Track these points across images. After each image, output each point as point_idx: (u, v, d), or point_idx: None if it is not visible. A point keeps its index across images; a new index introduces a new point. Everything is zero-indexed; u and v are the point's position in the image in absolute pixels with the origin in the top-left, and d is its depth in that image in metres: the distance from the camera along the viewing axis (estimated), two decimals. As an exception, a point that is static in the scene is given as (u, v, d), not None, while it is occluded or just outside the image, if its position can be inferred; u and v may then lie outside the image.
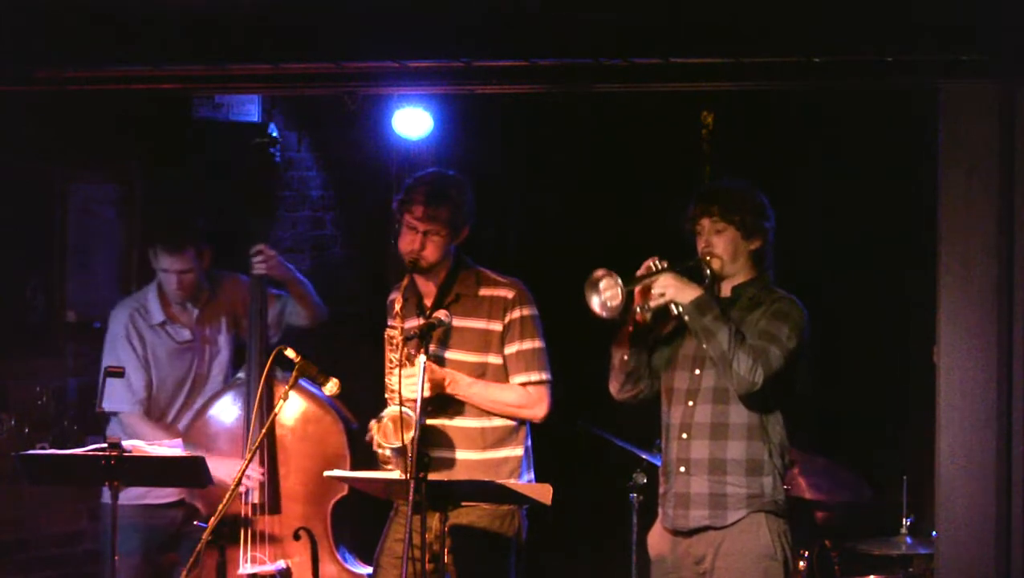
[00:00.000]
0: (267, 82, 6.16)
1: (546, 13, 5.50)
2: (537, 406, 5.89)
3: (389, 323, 5.89)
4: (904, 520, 6.75)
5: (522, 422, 5.91)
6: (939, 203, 5.40)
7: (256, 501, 6.40)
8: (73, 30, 5.75)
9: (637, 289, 5.50)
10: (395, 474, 5.67)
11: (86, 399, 7.10)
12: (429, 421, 5.80)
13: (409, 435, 5.59)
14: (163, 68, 5.89)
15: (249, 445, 6.12)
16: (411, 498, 5.34)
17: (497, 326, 5.88)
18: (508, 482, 5.70)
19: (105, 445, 5.84)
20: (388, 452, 5.76)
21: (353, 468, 6.27)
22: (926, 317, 5.50)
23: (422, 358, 5.57)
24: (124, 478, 5.86)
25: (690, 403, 5.55)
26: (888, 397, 7.46)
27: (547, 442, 6.14)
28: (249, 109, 7.92)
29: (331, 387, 5.64)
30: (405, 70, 5.73)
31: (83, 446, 6.11)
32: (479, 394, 5.85)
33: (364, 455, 6.05)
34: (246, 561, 6.39)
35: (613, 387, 5.69)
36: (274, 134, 6.67)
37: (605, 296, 5.44)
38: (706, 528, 5.52)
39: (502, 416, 5.88)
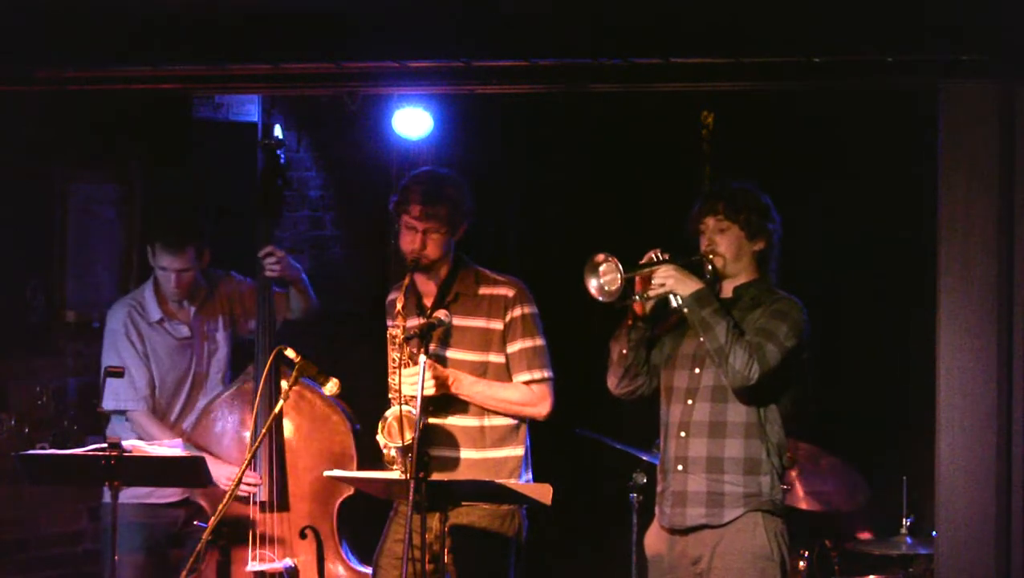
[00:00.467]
0: (267, 82, 6.16)
1: (546, 13, 5.50)
2: (540, 404, 5.90)
3: (390, 322, 5.89)
4: (904, 520, 6.74)
5: (524, 421, 5.92)
6: (939, 203, 5.40)
7: (264, 499, 6.40)
8: (73, 30, 5.75)
9: (638, 278, 5.51)
10: (395, 474, 5.68)
11: (86, 399, 7.11)
12: (430, 420, 5.81)
13: (411, 434, 5.59)
14: (163, 68, 5.89)
15: (250, 446, 6.12)
16: (411, 498, 5.34)
17: (498, 325, 5.88)
18: (508, 482, 5.70)
19: (105, 445, 5.84)
20: (393, 452, 5.76)
21: (360, 469, 6.27)
22: (926, 317, 5.50)
23: (423, 358, 5.58)
24: (124, 478, 5.86)
25: (689, 401, 5.55)
26: (888, 397, 7.46)
27: (547, 442, 6.14)
28: (249, 109, 7.92)
29: (331, 387, 5.64)
30: (405, 70, 5.73)
31: (83, 446, 6.11)
32: (482, 393, 5.86)
33: (371, 455, 6.05)
34: (254, 559, 6.39)
35: (611, 382, 5.69)
36: (279, 135, 6.67)
37: (604, 280, 5.46)
38: (703, 526, 5.52)
39: (506, 415, 5.88)
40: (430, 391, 5.69)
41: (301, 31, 5.65)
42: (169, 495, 6.56)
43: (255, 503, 6.40)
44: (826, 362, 5.86)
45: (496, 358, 5.89)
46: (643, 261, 5.54)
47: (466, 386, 5.83)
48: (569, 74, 5.73)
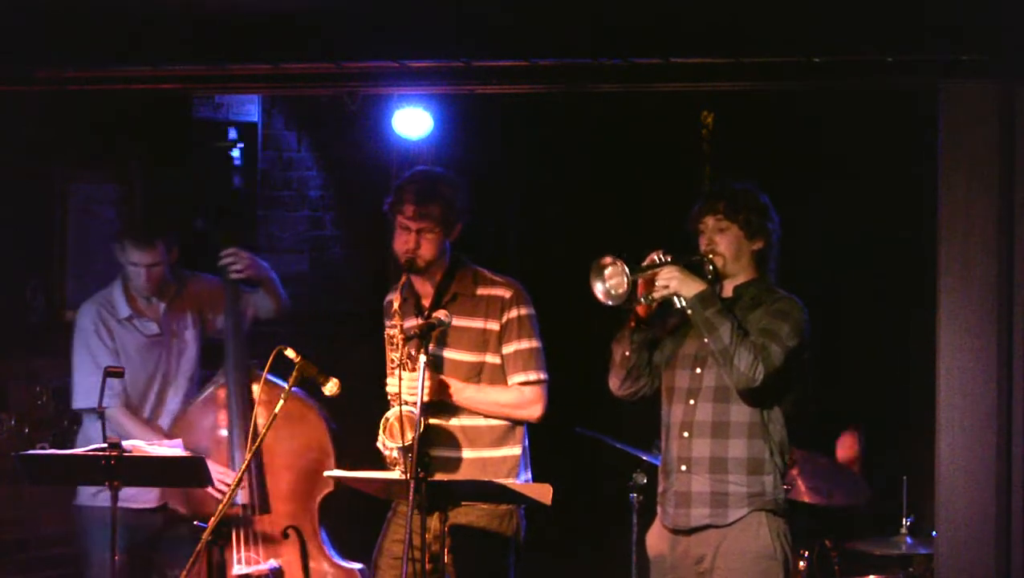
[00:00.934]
0: (267, 82, 6.16)
1: (546, 13, 5.50)
2: (532, 406, 5.88)
3: (388, 323, 5.88)
4: (904, 520, 6.74)
5: (519, 422, 5.91)
6: (939, 203, 5.40)
7: (245, 502, 6.40)
8: (73, 30, 5.75)
9: (641, 280, 5.50)
10: (395, 474, 5.67)
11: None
12: (430, 420, 5.80)
13: (411, 435, 5.59)
14: (163, 68, 5.89)
15: (248, 445, 6.11)
16: (411, 498, 5.34)
17: (495, 326, 5.88)
18: (508, 482, 5.70)
19: (105, 445, 5.84)
20: (395, 453, 5.75)
21: (339, 467, 6.27)
22: (926, 317, 5.50)
23: (423, 358, 5.57)
24: (124, 478, 5.86)
25: (691, 402, 5.55)
26: (888, 397, 7.46)
27: (547, 442, 6.14)
28: (249, 109, 7.92)
29: (331, 387, 5.63)
30: (405, 70, 5.74)
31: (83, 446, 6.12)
32: (472, 398, 5.84)
33: (352, 454, 6.05)
34: (239, 561, 6.39)
35: (613, 383, 5.69)
36: (233, 137, 6.68)
37: (610, 283, 5.46)
38: (706, 526, 5.52)
39: (497, 418, 5.87)
40: (425, 396, 5.68)
41: (301, 31, 5.65)
42: (146, 501, 6.54)
43: (237, 505, 6.39)
44: (826, 362, 5.86)
45: (492, 359, 5.89)
46: (645, 263, 5.53)
47: (455, 392, 5.82)
48: (569, 74, 5.73)
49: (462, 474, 5.78)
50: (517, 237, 8.30)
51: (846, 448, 7.01)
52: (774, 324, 5.47)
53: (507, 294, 5.90)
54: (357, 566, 6.44)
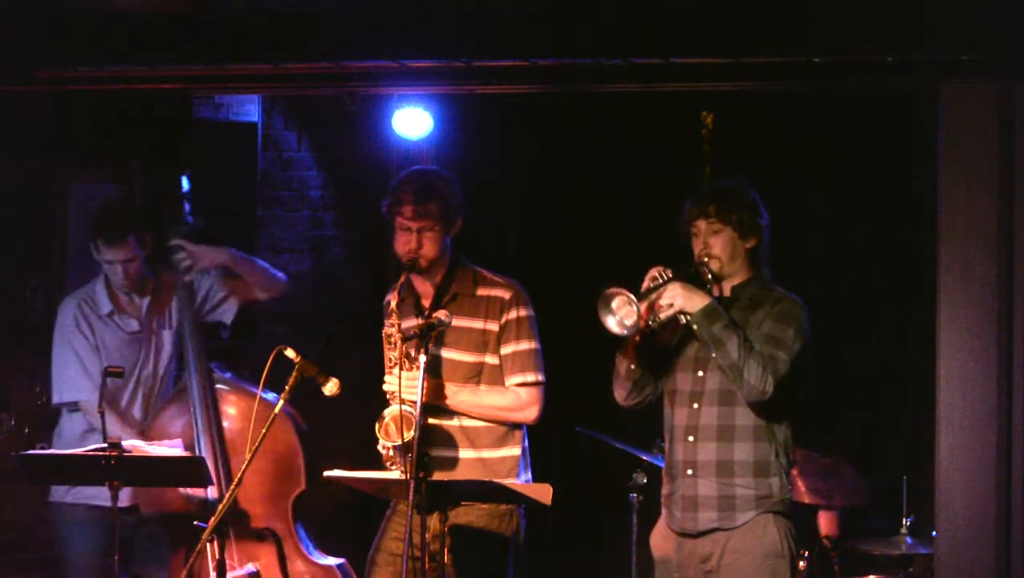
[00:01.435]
0: (267, 82, 6.16)
1: (546, 13, 5.50)
2: (529, 409, 5.87)
3: (387, 322, 5.88)
4: (904, 520, 6.74)
5: (515, 425, 5.91)
6: (939, 203, 5.40)
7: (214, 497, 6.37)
8: (73, 30, 5.75)
9: (645, 303, 5.47)
10: (395, 474, 5.67)
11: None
12: (429, 420, 5.80)
13: (410, 433, 5.59)
14: (163, 68, 5.89)
15: (249, 446, 6.10)
16: (411, 498, 5.34)
17: (494, 326, 5.87)
18: (508, 482, 5.70)
19: (105, 445, 5.83)
20: (392, 451, 5.75)
21: (306, 464, 6.25)
22: (926, 317, 5.50)
23: (423, 359, 5.57)
24: (124, 478, 5.85)
25: (695, 405, 5.54)
26: (888, 397, 7.46)
27: (547, 442, 6.14)
28: (249, 109, 7.92)
29: (331, 387, 5.62)
30: (405, 70, 5.74)
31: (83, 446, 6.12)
32: (467, 402, 5.84)
33: (350, 454, 6.06)
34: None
35: (619, 395, 5.67)
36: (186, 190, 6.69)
37: (620, 314, 5.42)
38: (714, 529, 5.51)
39: (493, 421, 5.87)
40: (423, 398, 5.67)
41: (301, 31, 5.65)
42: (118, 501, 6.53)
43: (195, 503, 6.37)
44: (826, 362, 5.86)
45: (491, 360, 5.88)
46: (647, 284, 5.49)
47: (451, 395, 5.82)
48: (569, 74, 5.73)
49: (462, 474, 5.78)
50: (517, 237, 8.30)
51: (827, 524, 7.00)
52: (778, 329, 5.45)
53: (507, 295, 5.90)
54: (336, 562, 6.43)
